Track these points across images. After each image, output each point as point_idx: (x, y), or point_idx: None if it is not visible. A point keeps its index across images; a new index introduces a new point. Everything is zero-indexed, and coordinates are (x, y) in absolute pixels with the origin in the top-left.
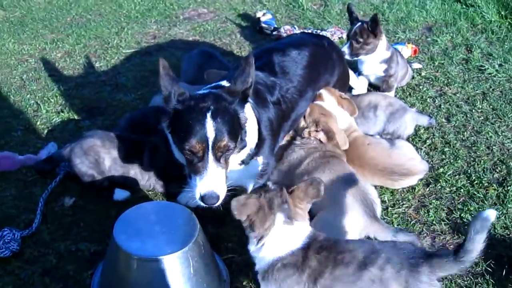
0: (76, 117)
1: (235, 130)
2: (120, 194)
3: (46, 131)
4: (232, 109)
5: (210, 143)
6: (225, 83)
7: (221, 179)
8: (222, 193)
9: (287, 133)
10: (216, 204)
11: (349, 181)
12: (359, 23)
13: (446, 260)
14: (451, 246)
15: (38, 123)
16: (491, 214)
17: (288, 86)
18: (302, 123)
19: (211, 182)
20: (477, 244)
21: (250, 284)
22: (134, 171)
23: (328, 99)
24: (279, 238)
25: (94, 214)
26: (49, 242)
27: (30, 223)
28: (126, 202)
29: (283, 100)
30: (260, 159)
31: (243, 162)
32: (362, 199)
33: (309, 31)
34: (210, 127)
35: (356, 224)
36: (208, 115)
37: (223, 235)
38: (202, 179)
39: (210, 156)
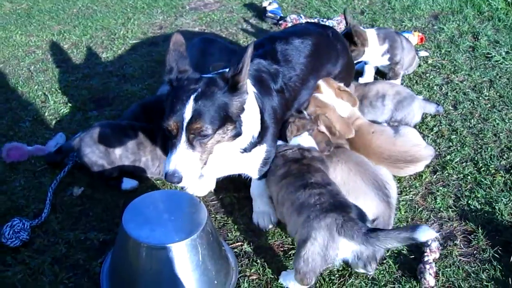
0: (83, 107)
1: (219, 116)
2: (128, 183)
3: (54, 121)
4: (221, 95)
5: (185, 124)
6: None
7: (189, 162)
8: (187, 175)
9: None
10: (180, 185)
11: (358, 167)
12: (346, 30)
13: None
14: (459, 233)
15: (46, 114)
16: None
17: (291, 74)
18: None
19: (176, 161)
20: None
21: (259, 272)
22: (145, 158)
23: (326, 91)
24: (301, 141)
25: (103, 203)
26: (59, 231)
27: (40, 213)
28: (134, 191)
29: (286, 88)
30: (263, 147)
31: (245, 150)
32: (373, 182)
33: (315, 20)
34: (189, 108)
35: (370, 210)
36: (192, 96)
37: (231, 223)
38: (171, 157)
39: (183, 137)
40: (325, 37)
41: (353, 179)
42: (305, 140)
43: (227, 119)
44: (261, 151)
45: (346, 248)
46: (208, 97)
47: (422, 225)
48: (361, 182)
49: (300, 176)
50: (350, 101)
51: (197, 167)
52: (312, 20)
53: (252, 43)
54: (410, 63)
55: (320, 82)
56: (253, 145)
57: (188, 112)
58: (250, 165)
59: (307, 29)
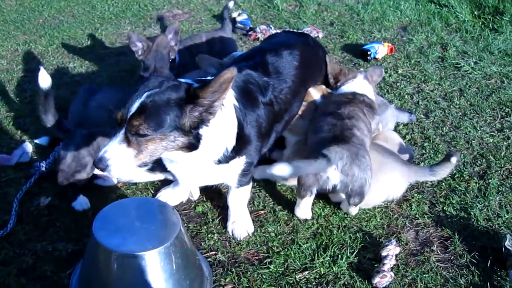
0: None
1: (163, 121)
2: (80, 204)
3: (19, 131)
4: (175, 102)
5: (128, 117)
6: None
7: (120, 154)
8: (114, 167)
9: (280, 134)
10: (109, 175)
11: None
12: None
13: None
14: (435, 239)
15: (12, 123)
16: None
17: (282, 86)
18: None
19: (108, 150)
20: None
21: (234, 281)
22: None
23: (316, 96)
24: (354, 85)
25: (71, 213)
26: (25, 242)
27: (5, 224)
28: (104, 199)
29: (276, 101)
30: (242, 159)
31: (219, 161)
32: (385, 150)
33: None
34: (137, 103)
35: (396, 177)
36: (146, 94)
37: (204, 233)
38: (106, 145)
39: (123, 129)
40: (308, 45)
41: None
42: (359, 84)
43: (176, 128)
44: (240, 163)
45: (334, 175)
46: (160, 98)
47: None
48: (377, 154)
49: (338, 104)
50: None
51: (128, 162)
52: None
53: (234, 68)
54: None
55: (310, 89)
56: (229, 157)
57: (135, 106)
58: (228, 176)
59: (291, 39)
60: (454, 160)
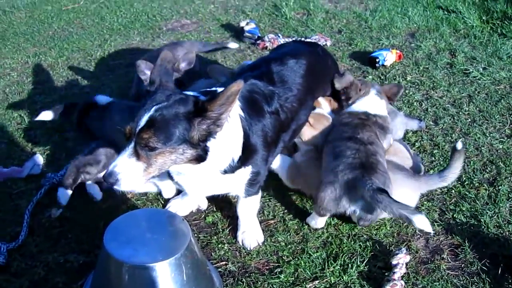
0: (60, 128)
1: (173, 134)
2: (63, 196)
3: (30, 143)
4: (183, 115)
5: (137, 131)
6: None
7: (130, 169)
8: (124, 181)
9: (288, 144)
10: (117, 188)
11: None
12: None
13: None
14: (445, 246)
15: (22, 135)
16: None
17: (287, 95)
18: None
19: (118, 164)
20: None
21: None
22: None
23: (325, 104)
24: (366, 104)
25: (82, 225)
26: (37, 254)
27: (17, 236)
28: (115, 211)
29: (281, 109)
30: (248, 169)
31: (225, 171)
32: (394, 165)
33: (293, 38)
34: (146, 117)
35: (406, 192)
36: (155, 108)
37: (214, 243)
38: (115, 159)
39: (132, 143)
40: (316, 54)
41: None
42: (371, 102)
43: (185, 141)
44: (246, 173)
45: (357, 201)
46: (169, 112)
47: (421, 213)
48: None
49: (353, 128)
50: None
51: (138, 176)
52: (290, 39)
53: (241, 81)
54: None
55: (320, 98)
56: (235, 167)
57: (143, 120)
58: (235, 185)
59: (299, 49)
60: (460, 145)
